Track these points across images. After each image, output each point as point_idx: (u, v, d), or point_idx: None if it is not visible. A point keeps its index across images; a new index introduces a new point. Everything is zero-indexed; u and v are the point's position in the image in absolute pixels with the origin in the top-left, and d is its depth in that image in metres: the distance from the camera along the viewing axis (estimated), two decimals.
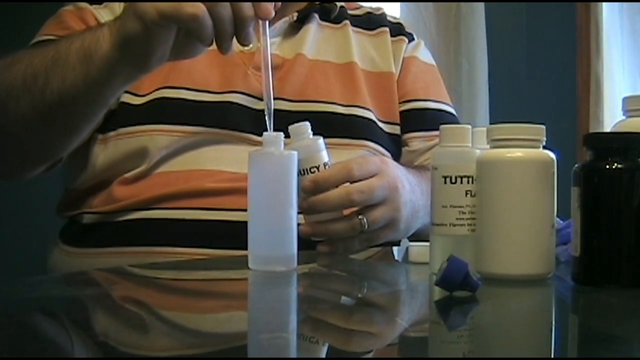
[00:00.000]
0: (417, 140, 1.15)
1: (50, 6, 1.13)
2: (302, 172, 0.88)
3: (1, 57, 0.98)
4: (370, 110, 1.11)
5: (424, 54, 1.23)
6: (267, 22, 0.83)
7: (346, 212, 0.91)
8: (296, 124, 0.89)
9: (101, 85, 0.89)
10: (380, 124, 1.12)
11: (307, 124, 0.89)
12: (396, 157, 1.13)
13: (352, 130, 1.08)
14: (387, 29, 1.19)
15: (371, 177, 0.91)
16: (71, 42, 0.89)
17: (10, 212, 1.83)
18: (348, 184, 0.90)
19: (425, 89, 1.18)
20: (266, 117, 0.82)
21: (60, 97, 0.89)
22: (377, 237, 0.94)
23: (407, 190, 0.95)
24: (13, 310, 0.62)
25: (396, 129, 1.14)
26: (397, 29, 1.21)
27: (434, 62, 1.25)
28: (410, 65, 1.18)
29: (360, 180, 0.90)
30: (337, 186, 0.89)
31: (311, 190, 0.88)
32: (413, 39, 1.22)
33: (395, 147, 1.13)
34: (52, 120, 0.93)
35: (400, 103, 1.16)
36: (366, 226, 0.90)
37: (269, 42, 0.84)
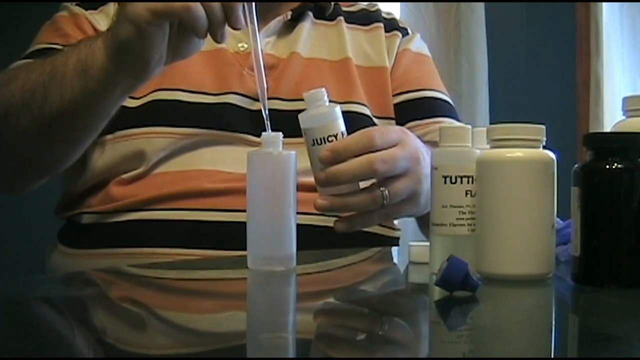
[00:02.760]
0: (412, 130, 1.14)
1: (49, 6, 1.13)
2: (318, 142, 0.82)
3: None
4: (366, 106, 1.10)
5: (417, 45, 1.22)
6: (256, 25, 0.83)
7: (362, 184, 0.86)
8: (312, 90, 0.83)
9: (101, 98, 0.89)
10: (376, 120, 1.12)
11: (324, 90, 0.83)
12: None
13: (348, 127, 1.07)
14: (381, 24, 1.19)
15: (393, 146, 0.86)
16: (67, 57, 0.89)
17: (10, 212, 1.82)
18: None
19: (418, 79, 1.17)
20: (264, 117, 0.81)
21: (59, 112, 0.89)
22: (397, 212, 0.90)
23: (427, 162, 0.89)
24: (13, 310, 0.62)
25: (391, 124, 1.14)
26: (391, 25, 1.21)
27: (428, 53, 1.24)
28: (402, 58, 1.18)
29: (382, 149, 0.85)
30: (356, 156, 0.83)
31: (330, 160, 0.81)
32: (407, 33, 1.22)
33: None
34: (53, 135, 0.93)
35: (393, 96, 1.15)
36: (388, 199, 0.85)
37: (260, 40, 0.84)
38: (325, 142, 0.82)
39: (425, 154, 0.91)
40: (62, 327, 0.58)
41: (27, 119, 0.91)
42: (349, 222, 0.87)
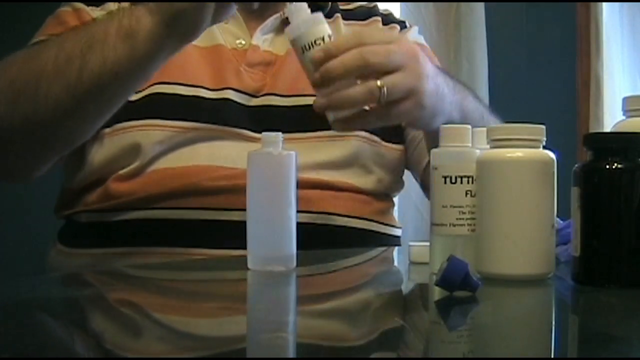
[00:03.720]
0: None
1: (49, 6, 1.13)
2: (307, 47, 0.83)
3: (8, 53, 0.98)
4: None
5: (414, 36, 1.22)
6: None
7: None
8: (293, 3, 0.85)
9: (147, 61, 0.90)
10: None
11: (305, 3, 0.85)
12: (390, 140, 1.11)
13: None
14: (379, 18, 1.20)
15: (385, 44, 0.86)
16: (105, 25, 0.90)
17: (10, 212, 1.82)
18: None
19: None
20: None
21: (100, 77, 0.89)
22: (397, 111, 0.87)
23: (430, 66, 0.89)
24: (13, 310, 0.62)
25: None
26: (388, 19, 1.22)
27: (425, 44, 1.24)
28: None
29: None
30: None
31: (322, 60, 0.82)
32: (405, 26, 1.22)
33: (388, 131, 1.10)
34: (89, 101, 0.92)
35: None
36: (385, 94, 0.83)
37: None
38: (313, 47, 0.83)
39: (426, 60, 0.90)
40: (60, 328, 0.58)
41: (61, 86, 0.91)
42: (346, 122, 0.86)
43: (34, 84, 0.92)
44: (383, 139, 1.09)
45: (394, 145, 1.10)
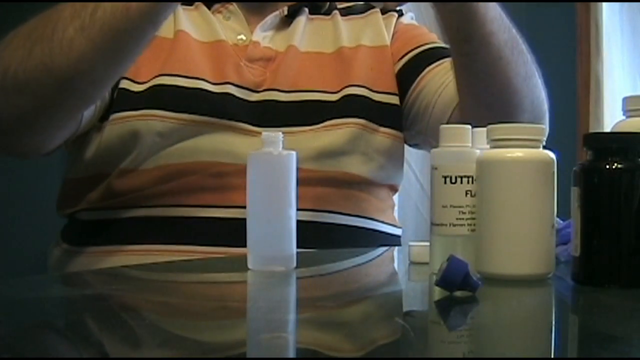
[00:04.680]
0: (428, 76, 1.13)
1: (49, 6, 1.13)
2: None
3: None
4: (363, 87, 1.10)
5: (407, 20, 1.23)
6: None
7: None
8: None
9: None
10: (375, 97, 1.11)
11: None
12: (393, 127, 1.11)
13: (344, 111, 1.07)
14: (377, 9, 1.21)
15: None
16: None
17: (10, 211, 1.82)
18: None
19: (420, 36, 1.18)
20: None
21: (113, 14, 0.87)
22: None
23: None
24: (13, 310, 0.62)
25: (394, 99, 1.12)
26: (386, 8, 1.22)
27: (417, 25, 1.25)
28: (397, 32, 1.19)
29: None
30: None
31: None
32: (402, 14, 1.23)
33: (392, 118, 1.11)
34: (103, 43, 0.89)
35: (400, 59, 1.15)
36: None
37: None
38: None
39: None
40: (60, 329, 0.58)
41: (75, 27, 0.89)
42: None
43: (50, 29, 0.90)
44: (380, 125, 1.09)
45: (391, 131, 1.10)
